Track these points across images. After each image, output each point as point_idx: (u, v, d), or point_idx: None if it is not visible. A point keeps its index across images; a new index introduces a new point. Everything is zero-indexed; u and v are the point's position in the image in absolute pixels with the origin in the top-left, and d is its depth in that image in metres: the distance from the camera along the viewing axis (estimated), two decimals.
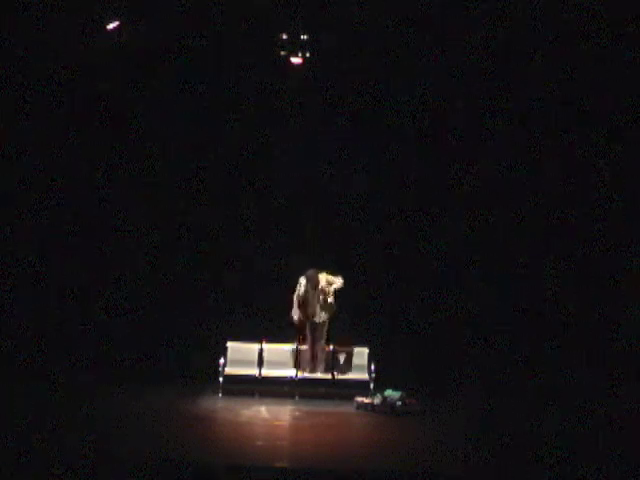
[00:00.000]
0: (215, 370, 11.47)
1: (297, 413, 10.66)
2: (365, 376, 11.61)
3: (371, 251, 13.44)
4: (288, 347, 11.90)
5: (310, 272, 11.73)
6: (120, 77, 13.04)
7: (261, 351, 11.76)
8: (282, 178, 13.52)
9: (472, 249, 13.31)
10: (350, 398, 11.13)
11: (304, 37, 12.37)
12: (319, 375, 11.69)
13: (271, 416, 10.48)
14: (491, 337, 12.88)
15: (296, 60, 12.48)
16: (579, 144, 13.13)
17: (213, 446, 8.55)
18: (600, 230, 13.10)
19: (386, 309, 13.13)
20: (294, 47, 12.40)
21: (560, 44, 12.55)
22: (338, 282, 11.69)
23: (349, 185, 13.54)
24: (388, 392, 10.81)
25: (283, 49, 12.44)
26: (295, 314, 11.80)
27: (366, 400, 10.95)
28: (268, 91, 13.24)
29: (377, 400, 10.80)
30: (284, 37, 12.40)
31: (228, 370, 11.53)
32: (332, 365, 11.77)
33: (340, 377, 11.69)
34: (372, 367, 11.61)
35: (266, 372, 11.64)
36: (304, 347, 11.81)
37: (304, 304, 11.72)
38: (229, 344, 11.74)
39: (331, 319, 11.82)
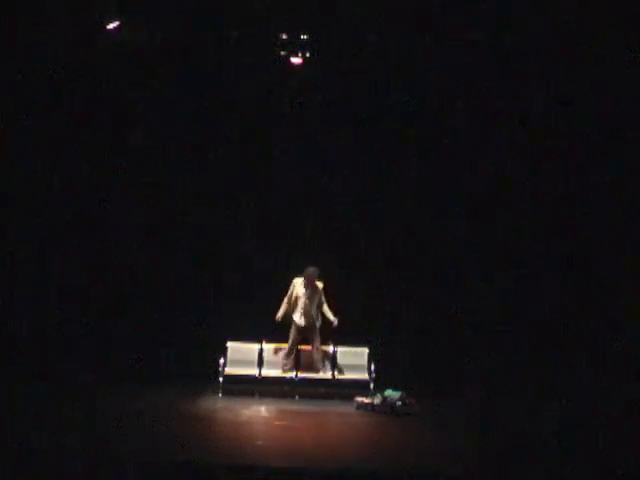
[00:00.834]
0: (215, 370, 11.47)
1: (297, 413, 10.66)
2: (365, 376, 11.62)
3: (371, 251, 13.44)
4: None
5: (310, 269, 11.67)
6: (120, 77, 13.04)
7: (261, 351, 11.77)
8: (282, 178, 13.52)
9: (472, 249, 13.32)
10: (350, 398, 11.13)
11: (304, 37, 12.36)
12: (320, 375, 11.70)
13: (271, 416, 10.48)
14: (491, 337, 12.88)
15: (296, 60, 12.48)
16: (579, 144, 13.14)
17: (213, 446, 8.54)
18: (600, 230, 13.11)
19: (386, 309, 13.14)
20: (294, 47, 12.40)
21: (560, 44, 12.56)
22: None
23: (349, 185, 13.54)
24: (388, 392, 10.81)
25: (283, 49, 12.44)
26: (280, 314, 11.73)
27: (366, 400, 10.96)
28: (268, 91, 13.24)
29: (377, 400, 10.80)
30: (284, 37, 12.40)
31: (228, 370, 11.53)
32: (331, 364, 11.78)
33: (340, 377, 11.69)
34: (372, 367, 11.61)
35: (266, 372, 11.65)
36: (304, 347, 11.80)
37: (295, 303, 11.68)
38: (229, 344, 11.74)
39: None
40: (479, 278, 13.20)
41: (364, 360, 11.78)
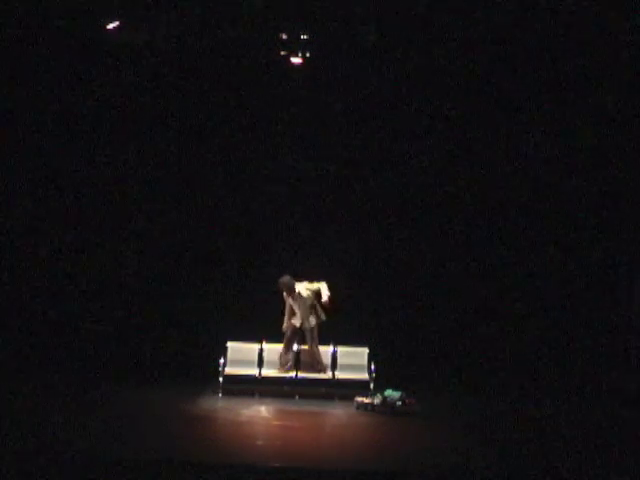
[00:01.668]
0: (215, 370, 11.47)
1: (297, 413, 10.65)
2: (365, 376, 11.60)
3: (370, 251, 13.44)
4: None
5: (284, 279, 11.62)
6: (120, 77, 13.05)
7: (261, 351, 11.75)
8: (282, 177, 13.52)
9: (472, 249, 13.31)
10: (350, 398, 11.13)
11: (304, 37, 12.36)
12: (321, 375, 11.69)
13: (271, 416, 10.48)
14: (492, 337, 12.88)
15: (296, 60, 12.48)
16: (579, 144, 13.15)
17: (213, 446, 8.54)
18: (600, 230, 13.12)
19: (386, 309, 13.14)
20: (294, 47, 12.40)
21: (560, 43, 12.57)
22: (323, 288, 11.54)
23: (349, 185, 13.54)
24: (388, 392, 10.81)
25: (283, 49, 12.44)
26: (285, 325, 11.75)
27: (366, 400, 10.95)
28: (268, 91, 13.24)
29: (377, 400, 10.79)
30: (284, 37, 12.40)
31: (228, 370, 11.52)
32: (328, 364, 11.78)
33: (340, 377, 11.69)
34: (372, 367, 11.61)
35: (266, 372, 11.64)
36: (305, 347, 11.79)
37: (289, 308, 11.70)
38: (229, 344, 11.73)
39: (320, 324, 11.74)
40: (479, 278, 13.21)
41: (364, 360, 11.77)
